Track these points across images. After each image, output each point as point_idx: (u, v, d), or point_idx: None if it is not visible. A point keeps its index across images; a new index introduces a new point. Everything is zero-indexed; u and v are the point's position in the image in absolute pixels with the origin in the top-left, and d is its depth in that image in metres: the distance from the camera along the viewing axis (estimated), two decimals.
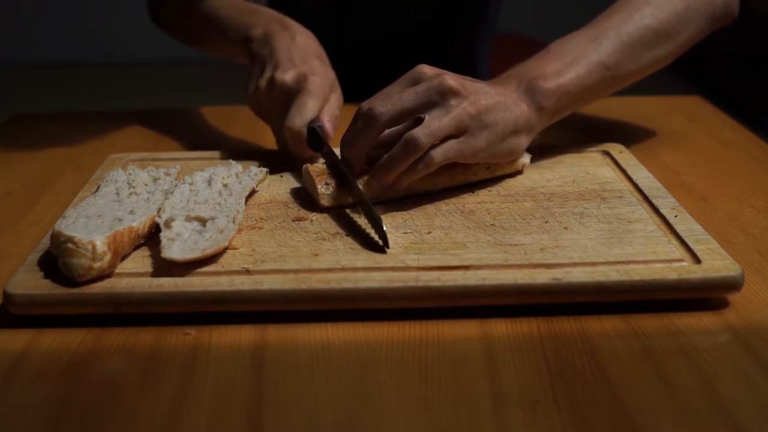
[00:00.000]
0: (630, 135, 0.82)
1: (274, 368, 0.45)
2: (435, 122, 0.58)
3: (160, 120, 0.91)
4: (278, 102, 0.68)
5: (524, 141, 0.64)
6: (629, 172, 0.66)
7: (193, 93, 3.25)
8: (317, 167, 0.63)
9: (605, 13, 0.69)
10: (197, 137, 0.85)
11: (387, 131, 0.62)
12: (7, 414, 0.42)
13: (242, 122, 0.90)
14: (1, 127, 0.90)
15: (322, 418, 0.41)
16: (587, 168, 0.68)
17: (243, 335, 0.48)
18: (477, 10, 1.06)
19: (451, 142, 0.59)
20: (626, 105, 0.91)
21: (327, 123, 0.67)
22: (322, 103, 0.68)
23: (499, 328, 0.49)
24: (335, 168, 0.62)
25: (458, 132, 0.59)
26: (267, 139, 0.83)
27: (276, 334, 0.48)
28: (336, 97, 0.71)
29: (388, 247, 0.53)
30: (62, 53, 3.65)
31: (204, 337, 0.48)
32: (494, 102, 0.60)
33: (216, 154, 0.74)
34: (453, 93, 0.58)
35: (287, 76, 0.67)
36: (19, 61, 3.64)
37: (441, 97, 0.58)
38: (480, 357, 0.46)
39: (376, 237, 0.55)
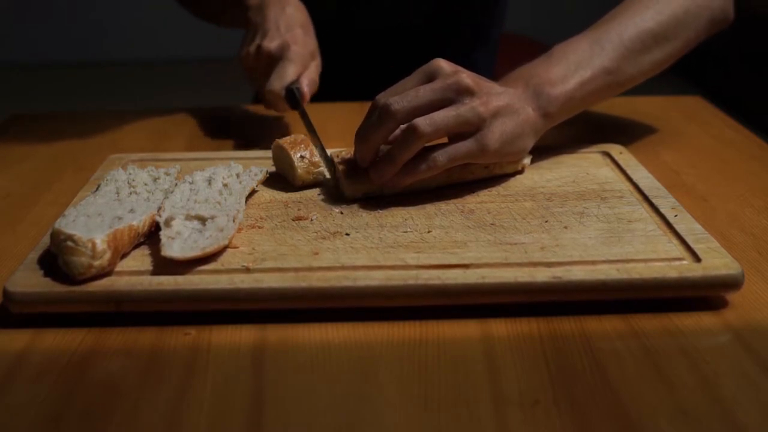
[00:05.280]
0: (630, 135, 0.82)
1: (274, 368, 0.45)
2: (440, 114, 0.58)
3: (160, 120, 0.91)
4: (264, 66, 0.77)
5: (529, 143, 0.64)
6: (629, 172, 0.66)
7: (193, 93, 3.25)
8: (288, 139, 0.66)
9: (607, 17, 0.70)
10: (197, 137, 0.85)
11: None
12: (7, 414, 0.42)
13: (242, 122, 0.90)
14: (1, 127, 0.90)
15: (322, 418, 0.41)
16: (587, 168, 0.68)
17: (243, 335, 0.48)
18: (477, 7, 1.06)
19: (458, 145, 0.59)
20: (626, 105, 0.91)
21: (305, 86, 0.75)
22: (301, 69, 0.76)
23: (499, 328, 0.49)
24: (308, 130, 0.70)
25: (463, 129, 0.59)
26: (267, 139, 0.83)
27: (276, 334, 0.48)
28: (315, 65, 0.79)
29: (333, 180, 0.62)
30: (62, 53, 3.65)
31: (204, 337, 0.48)
32: (504, 104, 0.61)
33: (216, 154, 0.74)
34: (468, 91, 0.59)
35: (272, 45, 0.76)
36: (19, 61, 3.64)
37: (457, 95, 0.59)
38: (480, 357, 0.46)
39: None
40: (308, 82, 0.75)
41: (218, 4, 0.93)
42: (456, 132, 0.60)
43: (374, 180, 0.60)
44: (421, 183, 0.62)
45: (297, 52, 0.75)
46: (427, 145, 0.60)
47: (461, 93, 0.59)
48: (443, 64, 0.61)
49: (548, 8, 3.53)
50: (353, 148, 0.63)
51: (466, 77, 0.59)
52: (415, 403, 0.42)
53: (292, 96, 0.73)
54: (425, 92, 0.59)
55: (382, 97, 0.60)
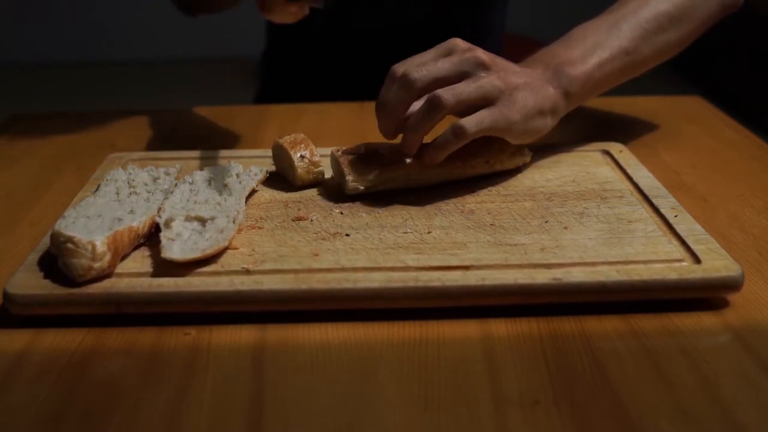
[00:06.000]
0: (630, 134, 0.82)
1: (274, 368, 0.45)
2: (462, 85, 0.59)
3: (160, 120, 0.91)
4: None
5: (550, 122, 0.64)
6: (629, 171, 0.66)
7: (193, 93, 3.25)
8: (288, 138, 0.65)
9: (622, 0, 0.71)
10: (197, 137, 0.85)
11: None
12: (7, 414, 0.42)
13: (242, 122, 0.90)
14: (1, 127, 0.90)
15: (322, 418, 0.41)
16: (587, 167, 0.68)
17: (243, 335, 0.48)
18: (478, 7, 1.06)
19: (483, 112, 0.59)
20: (626, 104, 0.91)
21: None
22: None
23: (499, 328, 0.49)
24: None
25: (484, 102, 0.59)
26: (267, 139, 0.83)
27: (276, 334, 0.48)
28: None
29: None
30: (62, 53, 3.65)
31: (204, 337, 0.48)
32: (522, 81, 0.61)
33: (216, 154, 0.74)
34: (484, 66, 0.60)
35: None
36: (19, 61, 3.64)
37: (473, 68, 0.60)
38: (480, 357, 0.46)
39: None
40: None
41: None
42: (477, 104, 0.60)
43: (405, 152, 0.60)
44: (420, 179, 0.62)
45: None
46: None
47: (478, 67, 0.60)
48: (459, 42, 0.62)
49: (548, 8, 3.53)
50: (353, 145, 0.63)
51: (482, 53, 0.60)
52: (415, 403, 0.42)
53: None
54: (443, 64, 0.59)
55: (400, 67, 0.60)
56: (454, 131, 0.58)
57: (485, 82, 0.59)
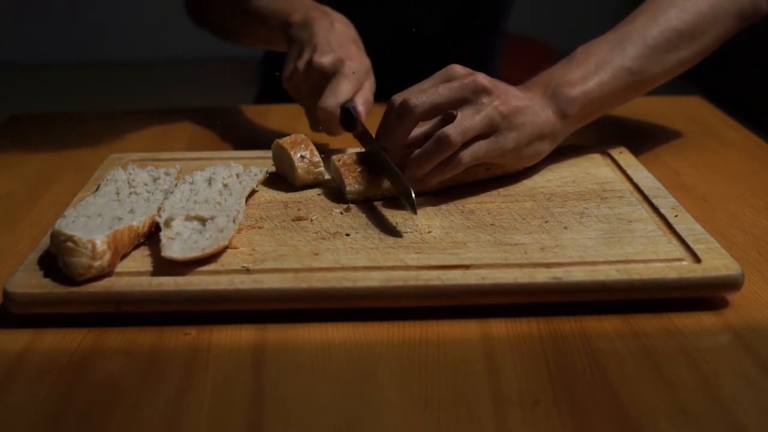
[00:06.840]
0: (630, 135, 0.82)
1: (274, 368, 0.45)
2: (467, 120, 0.59)
3: (160, 120, 0.91)
4: (315, 83, 0.70)
5: (547, 147, 0.64)
6: (629, 172, 0.66)
7: (193, 93, 3.25)
8: (288, 139, 0.65)
9: (630, 17, 0.69)
10: (197, 137, 0.85)
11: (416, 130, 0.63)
12: (7, 414, 0.42)
13: (242, 122, 0.90)
14: (1, 127, 0.90)
15: (322, 418, 0.41)
16: (587, 168, 0.68)
17: (243, 335, 0.48)
18: (487, 21, 1.06)
19: (480, 143, 0.60)
20: (627, 105, 0.91)
21: (360, 105, 0.68)
22: (356, 87, 0.69)
23: (499, 328, 0.49)
24: (373, 152, 0.63)
25: (488, 131, 0.60)
26: (267, 139, 0.83)
27: (276, 334, 0.48)
28: (370, 83, 0.72)
29: (415, 213, 0.58)
30: (62, 53, 3.64)
31: (204, 337, 0.48)
32: (523, 105, 0.61)
33: (216, 154, 0.74)
34: (485, 91, 0.60)
35: (325, 59, 0.69)
36: (19, 61, 3.64)
37: (474, 95, 0.59)
38: (480, 357, 0.46)
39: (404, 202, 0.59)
40: (363, 101, 0.68)
41: (244, 21, 0.87)
42: (481, 133, 0.60)
43: (408, 178, 0.60)
44: (420, 187, 0.62)
45: (352, 67, 0.69)
46: None
47: (478, 93, 0.59)
48: (458, 68, 0.62)
49: (548, 8, 3.53)
50: (353, 152, 0.63)
51: (482, 78, 0.60)
52: (415, 403, 0.42)
53: (348, 115, 0.66)
54: (443, 90, 0.60)
55: (399, 96, 0.61)
56: (451, 161, 0.59)
57: (489, 111, 0.59)
